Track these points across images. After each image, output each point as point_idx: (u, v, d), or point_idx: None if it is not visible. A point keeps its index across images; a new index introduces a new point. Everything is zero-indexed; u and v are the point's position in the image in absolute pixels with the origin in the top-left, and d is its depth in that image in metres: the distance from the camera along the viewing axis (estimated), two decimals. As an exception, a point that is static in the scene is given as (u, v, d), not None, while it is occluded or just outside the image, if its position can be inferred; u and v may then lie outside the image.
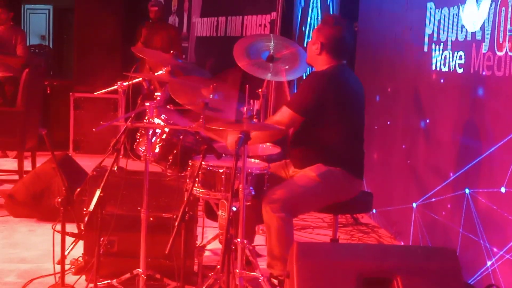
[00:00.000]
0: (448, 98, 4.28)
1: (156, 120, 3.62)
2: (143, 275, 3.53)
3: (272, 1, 7.15)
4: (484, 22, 3.74)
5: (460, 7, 4.07)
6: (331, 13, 6.46)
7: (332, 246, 3.59)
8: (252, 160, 3.81)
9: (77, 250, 4.12)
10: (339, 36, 3.80)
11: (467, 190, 3.91)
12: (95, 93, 5.17)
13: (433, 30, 4.50)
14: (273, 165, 3.93)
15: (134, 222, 3.66)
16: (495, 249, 3.59)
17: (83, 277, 3.90)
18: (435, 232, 4.43)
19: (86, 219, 3.29)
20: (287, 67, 4.50)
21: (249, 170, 3.49)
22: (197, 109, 3.46)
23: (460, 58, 4.06)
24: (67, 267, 3.84)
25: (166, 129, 3.70)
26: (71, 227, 3.98)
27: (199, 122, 3.36)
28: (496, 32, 3.60)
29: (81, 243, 4.06)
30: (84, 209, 3.83)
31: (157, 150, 3.70)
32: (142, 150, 3.66)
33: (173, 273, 3.50)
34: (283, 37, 5.55)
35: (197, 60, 9.10)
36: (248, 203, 3.47)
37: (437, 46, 4.40)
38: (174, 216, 3.69)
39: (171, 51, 3.92)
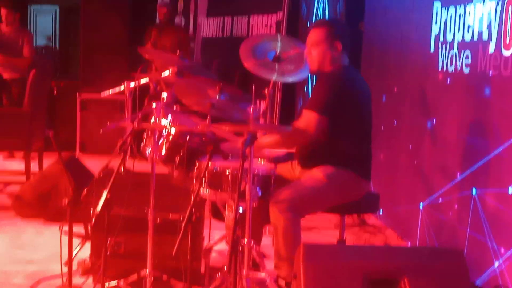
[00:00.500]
0: (455, 98, 4.27)
1: (163, 121, 3.63)
2: (150, 276, 3.54)
3: (278, 0, 7.15)
4: (490, 21, 3.73)
5: (467, 7, 4.06)
6: (338, 15, 6.44)
7: (338, 247, 3.59)
8: (259, 160, 3.80)
9: (84, 251, 4.13)
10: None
11: (474, 191, 3.90)
12: (101, 94, 5.17)
13: (439, 30, 4.49)
14: (280, 166, 3.93)
15: (141, 223, 3.67)
16: (502, 250, 3.57)
17: (90, 278, 3.90)
18: (442, 233, 4.42)
19: (93, 220, 3.30)
20: (293, 67, 4.50)
21: (256, 171, 3.49)
22: (204, 110, 3.46)
23: (467, 58, 4.05)
24: (74, 268, 3.84)
25: (173, 130, 3.70)
26: (78, 228, 3.99)
27: (204, 123, 3.36)
28: (502, 32, 3.59)
29: (88, 244, 4.07)
30: (92, 209, 3.83)
31: (163, 151, 3.70)
32: (149, 151, 3.66)
33: (180, 274, 3.49)
34: (290, 37, 5.54)
35: (203, 61, 9.09)
36: (254, 204, 3.47)
37: (444, 46, 4.39)
38: (181, 217, 3.69)
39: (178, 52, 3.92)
